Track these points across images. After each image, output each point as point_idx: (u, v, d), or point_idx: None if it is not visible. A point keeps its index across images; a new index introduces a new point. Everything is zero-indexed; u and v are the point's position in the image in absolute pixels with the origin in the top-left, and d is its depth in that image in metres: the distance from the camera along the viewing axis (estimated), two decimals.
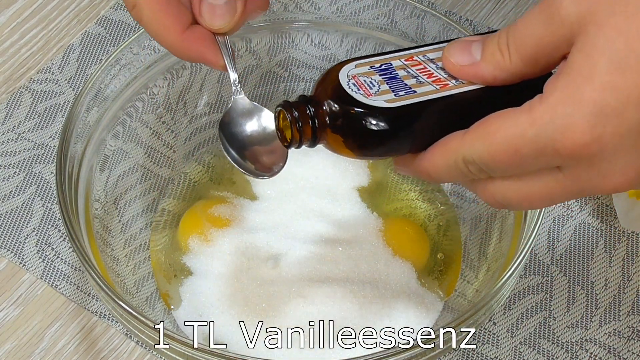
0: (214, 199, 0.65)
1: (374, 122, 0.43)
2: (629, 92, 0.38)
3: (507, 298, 0.60)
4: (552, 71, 0.41)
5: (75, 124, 0.58)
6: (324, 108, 0.44)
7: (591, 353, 0.61)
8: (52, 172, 0.69)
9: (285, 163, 0.51)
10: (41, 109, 0.72)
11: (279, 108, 0.46)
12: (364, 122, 0.43)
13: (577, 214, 0.67)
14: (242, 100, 0.51)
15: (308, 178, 0.65)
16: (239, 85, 0.51)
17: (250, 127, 0.51)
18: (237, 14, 0.48)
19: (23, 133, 0.71)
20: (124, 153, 0.65)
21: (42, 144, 0.70)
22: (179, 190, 0.67)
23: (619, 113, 0.38)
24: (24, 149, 0.70)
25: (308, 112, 0.45)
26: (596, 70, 0.38)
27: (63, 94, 0.73)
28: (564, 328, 0.62)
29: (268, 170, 0.51)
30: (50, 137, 0.71)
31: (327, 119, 0.44)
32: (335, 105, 0.44)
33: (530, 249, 0.53)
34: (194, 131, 0.69)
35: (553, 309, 0.63)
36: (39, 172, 0.69)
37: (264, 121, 0.52)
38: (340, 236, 0.63)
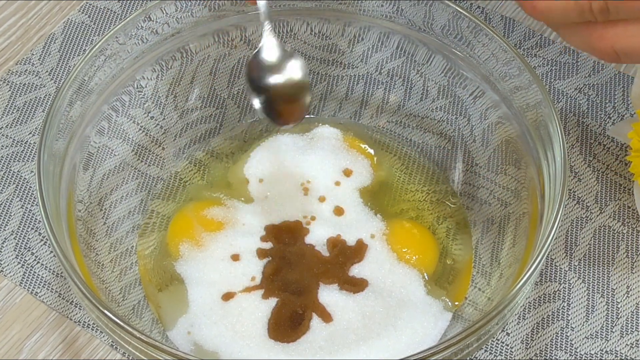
0: (206, 201, 0.65)
1: None
2: None
3: (521, 307, 0.60)
4: None
5: (56, 119, 0.58)
6: None
7: None
8: (31, 171, 0.69)
9: (307, 111, 0.58)
10: (20, 103, 0.72)
11: None
12: None
13: (597, 216, 0.67)
14: (271, 42, 0.58)
15: (307, 178, 0.65)
16: (270, 26, 0.57)
17: (276, 74, 0.57)
18: None
19: (1, 129, 0.70)
20: (109, 150, 0.64)
21: (21, 141, 0.70)
22: (169, 190, 0.67)
23: None
24: (2, 146, 0.70)
25: None
26: None
27: (44, 86, 0.73)
28: (583, 339, 0.62)
29: (289, 118, 0.58)
30: (30, 133, 0.70)
31: None
32: None
33: (546, 254, 0.53)
34: (185, 127, 0.68)
35: (571, 319, 0.63)
36: (18, 171, 0.69)
37: (291, 67, 0.58)
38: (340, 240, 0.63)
